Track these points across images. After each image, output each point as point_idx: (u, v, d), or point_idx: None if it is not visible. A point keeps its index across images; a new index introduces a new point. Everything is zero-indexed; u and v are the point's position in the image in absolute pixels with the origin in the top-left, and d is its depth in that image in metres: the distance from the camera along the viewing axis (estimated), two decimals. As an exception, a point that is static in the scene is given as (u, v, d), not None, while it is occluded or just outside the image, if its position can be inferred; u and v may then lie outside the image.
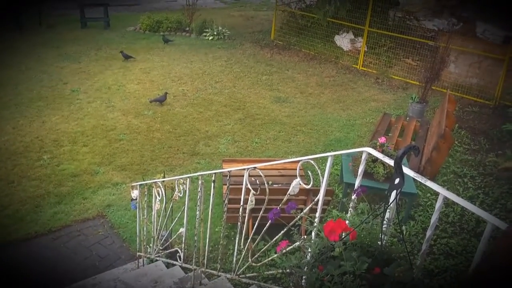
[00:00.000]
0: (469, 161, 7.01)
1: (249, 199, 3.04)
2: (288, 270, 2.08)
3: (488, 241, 1.95)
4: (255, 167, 3.04)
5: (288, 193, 2.80)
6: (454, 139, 6.78)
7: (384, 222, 2.09)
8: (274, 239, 2.96)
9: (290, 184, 2.77)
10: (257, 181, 2.99)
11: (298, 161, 2.81)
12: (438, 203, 2.13)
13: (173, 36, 13.38)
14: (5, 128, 7.63)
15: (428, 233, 2.18)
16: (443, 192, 2.10)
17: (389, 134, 7.29)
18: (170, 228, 4.46)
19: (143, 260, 4.80)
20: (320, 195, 2.70)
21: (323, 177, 2.64)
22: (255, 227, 3.08)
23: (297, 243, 2.53)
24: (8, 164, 6.66)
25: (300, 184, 2.73)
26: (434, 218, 2.15)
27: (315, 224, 2.38)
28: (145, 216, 4.75)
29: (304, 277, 2.04)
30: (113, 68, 10.55)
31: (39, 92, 9.08)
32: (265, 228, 2.96)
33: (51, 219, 5.64)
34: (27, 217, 5.65)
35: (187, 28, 13.76)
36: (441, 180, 6.37)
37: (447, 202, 5.45)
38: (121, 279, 4.18)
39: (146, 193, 4.79)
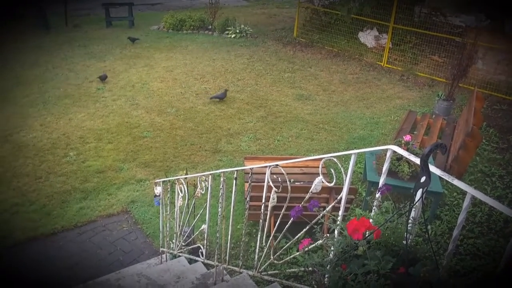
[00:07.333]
0: (497, 160, 6.83)
1: (271, 196, 3.02)
2: (310, 268, 2.06)
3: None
4: (277, 165, 3.02)
5: (310, 190, 2.77)
6: (482, 138, 6.61)
7: (409, 221, 2.05)
8: (296, 237, 2.93)
9: (312, 182, 2.74)
10: (279, 178, 2.97)
11: (321, 159, 2.78)
12: (466, 202, 2.07)
13: (196, 35, 13.46)
14: (33, 125, 7.83)
15: (455, 232, 2.12)
16: (471, 191, 2.04)
17: (414, 132, 7.15)
18: (192, 225, 4.50)
19: (166, 256, 4.85)
20: (343, 193, 2.66)
21: (346, 175, 2.60)
22: (277, 224, 3.07)
23: (320, 242, 2.50)
24: (36, 160, 6.84)
25: (322, 182, 2.70)
26: (461, 217, 2.09)
27: (338, 222, 2.35)
28: (168, 212, 4.79)
29: (327, 275, 2.03)
30: (137, 66, 10.70)
31: (65, 90, 9.28)
32: (287, 226, 2.94)
33: (77, 214, 5.77)
34: (53, 212, 5.79)
35: (210, 26, 13.83)
36: (468, 179, 6.22)
37: (474, 202, 5.32)
38: (144, 274, 4.23)
39: (169, 189, 4.84)
